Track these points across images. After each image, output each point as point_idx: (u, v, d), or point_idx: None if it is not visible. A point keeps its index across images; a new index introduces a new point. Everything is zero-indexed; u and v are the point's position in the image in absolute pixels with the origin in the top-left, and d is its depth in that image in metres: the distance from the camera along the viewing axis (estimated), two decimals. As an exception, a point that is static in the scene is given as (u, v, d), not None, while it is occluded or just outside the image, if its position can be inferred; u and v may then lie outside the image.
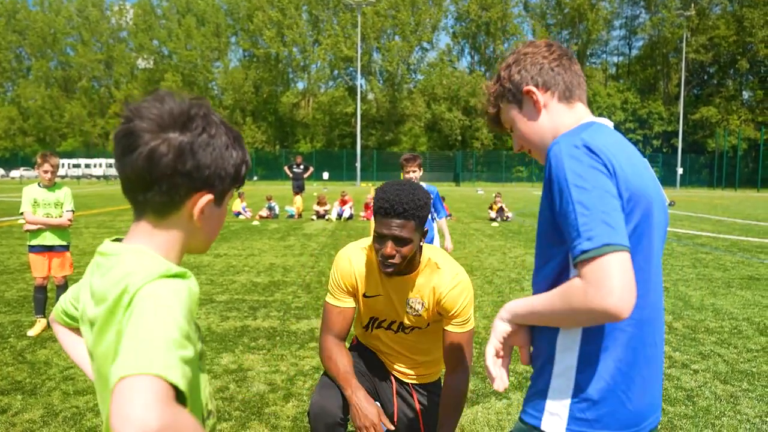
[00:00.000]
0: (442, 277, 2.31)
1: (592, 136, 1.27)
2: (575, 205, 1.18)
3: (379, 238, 2.19)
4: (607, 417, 1.27)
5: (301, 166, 18.17)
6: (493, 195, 18.22)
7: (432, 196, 5.37)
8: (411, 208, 2.14)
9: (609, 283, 1.11)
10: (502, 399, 3.81)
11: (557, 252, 1.31)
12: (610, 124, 1.43)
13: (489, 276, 8.02)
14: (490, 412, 3.63)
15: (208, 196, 1.05)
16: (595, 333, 1.27)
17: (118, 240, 1.08)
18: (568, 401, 1.28)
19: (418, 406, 2.50)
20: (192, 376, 0.91)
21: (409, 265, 2.31)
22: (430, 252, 2.37)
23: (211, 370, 4.26)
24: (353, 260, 2.38)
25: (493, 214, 16.61)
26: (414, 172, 5.44)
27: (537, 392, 1.34)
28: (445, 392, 2.34)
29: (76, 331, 1.26)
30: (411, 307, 2.35)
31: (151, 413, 0.77)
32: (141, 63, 70.42)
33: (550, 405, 1.30)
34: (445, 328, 2.34)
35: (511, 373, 4.23)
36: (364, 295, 2.39)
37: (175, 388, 0.83)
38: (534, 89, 1.43)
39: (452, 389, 2.32)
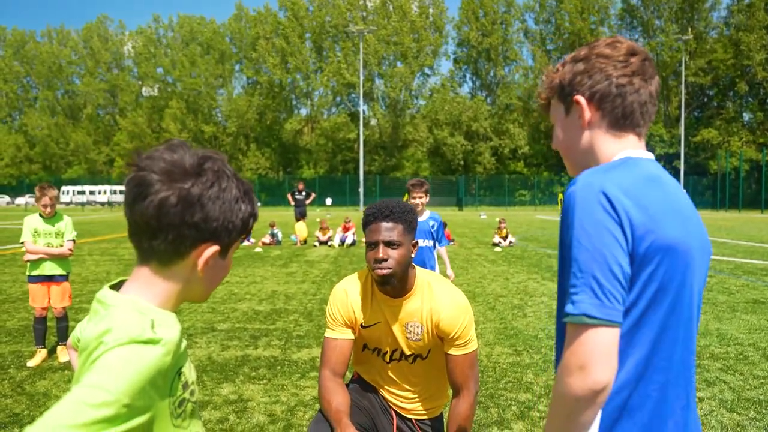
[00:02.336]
0: (438, 299, 2.32)
1: (617, 178, 1.14)
2: (572, 262, 1.10)
3: (371, 246, 2.25)
4: None
5: (303, 193, 18.28)
6: (497, 220, 18.19)
7: (437, 223, 5.32)
8: (397, 212, 2.23)
9: (583, 356, 1.05)
10: (504, 429, 3.76)
11: None
12: (651, 157, 1.29)
13: (491, 302, 7.97)
14: (493, 443, 3.57)
15: (214, 248, 1.06)
16: (615, 404, 1.14)
17: (121, 283, 1.10)
18: None
19: None
20: None
21: (403, 286, 2.31)
22: (424, 274, 2.39)
23: (210, 401, 4.22)
24: (349, 292, 2.38)
25: (497, 239, 16.58)
26: (420, 198, 5.14)
27: None
28: (451, 417, 2.33)
29: None
30: (410, 332, 2.34)
31: None
32: (145, 91, 71.29)
33: None
34: (447, 352, 2.33)
35: (513, 402, 4.19)
36: (362, 326, 2.37)
37: None
38: (584, 102, 1.27)
39: (458, 413, 2.31)
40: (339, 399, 2.26)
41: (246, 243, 16.61)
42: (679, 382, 1.19)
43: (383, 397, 2.53)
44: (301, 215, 18.08)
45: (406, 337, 2.36)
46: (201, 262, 1.05)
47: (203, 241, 1.04)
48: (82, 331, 1.27)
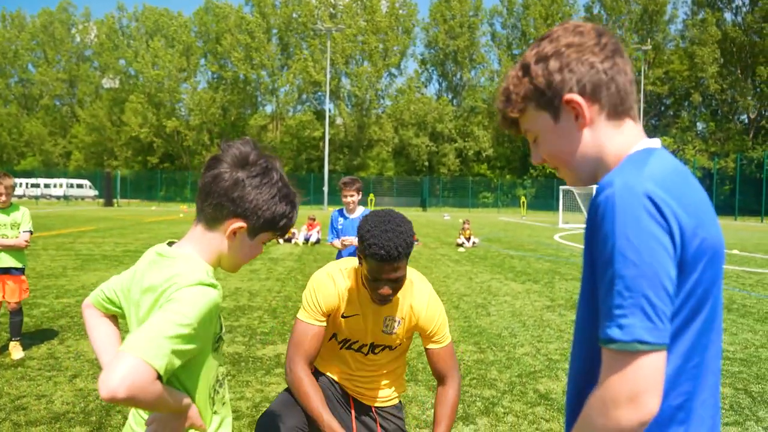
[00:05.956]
0: (418, 295, 2.38)
1: (658, 177, 1.00)
2: (616, 279, 0.95)
3: (375, 282, 2.18)
4: None
5: None
6: (461, 221, 18.35)
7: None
8: (404, 251, 2.12)
9: (634, 386, 0.92)
10: (469, 424, 3.81)
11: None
12: (659, 146, 1.14)
13: (455, 301, 8.05)
14: (458, 438, 3.61)
15: (241, 223, 1.36)
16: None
17: (173, 242, 1.41)
18: None
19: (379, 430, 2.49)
20: (192, 362, 1.27)
21: None
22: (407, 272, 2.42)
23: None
24: (336, 281, 2.37)
25: (461, 240, 16.75)
26: (352, 196, 5.40)
27: None
28: (440, 402, 2.40)
29: (112, 318, 1.52)
30: (387, 326, 2.37)
31: (123, 385, 1.08)
32: (106, 82, 69.31)
33: None
34: (427, 347, 2.41)
35: (477, 398, 4.25)
36: (343, 315, 2.39)
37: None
38: (580, 99, 1.10)
39: (447, 398, 2.39)
40: (318, 392, 2.25)
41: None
42: (707, 389, 1.09)
43: (342, 385, 2.54)
44: None
45: (382, 331, 2.39)
46: (229, 231, 1.36)
47: (236, 215, 1.34)
48: (144, 279, 1.39)
